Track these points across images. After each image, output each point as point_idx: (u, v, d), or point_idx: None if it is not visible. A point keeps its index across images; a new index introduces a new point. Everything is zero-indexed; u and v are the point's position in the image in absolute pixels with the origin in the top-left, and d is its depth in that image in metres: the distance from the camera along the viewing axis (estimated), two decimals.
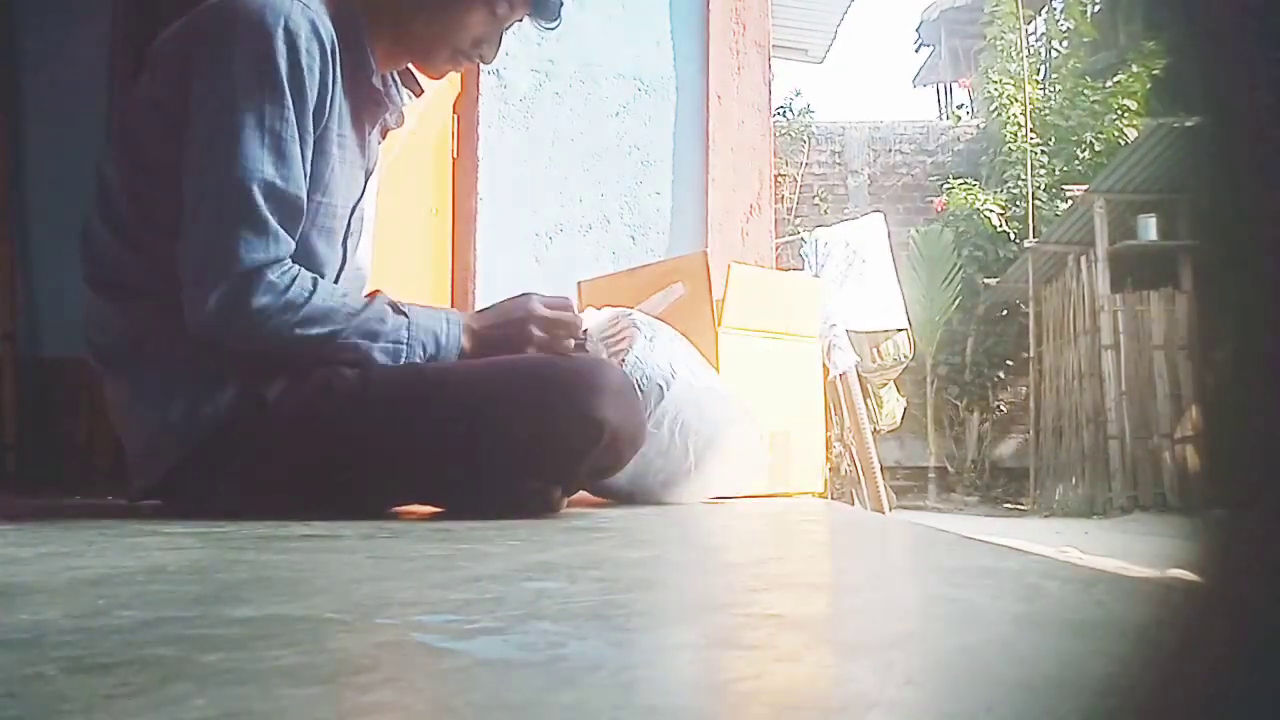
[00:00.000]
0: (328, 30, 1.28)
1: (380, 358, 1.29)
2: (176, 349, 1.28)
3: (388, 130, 1.50)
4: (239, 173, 1.22)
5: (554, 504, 1.38)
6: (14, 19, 3.09)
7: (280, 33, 1.22)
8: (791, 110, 9.39)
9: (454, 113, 2.69)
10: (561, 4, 1.43)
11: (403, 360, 1.31)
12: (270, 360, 1.29)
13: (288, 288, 1.24)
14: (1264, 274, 0.27)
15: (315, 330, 1.26)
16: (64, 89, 3.06)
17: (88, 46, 3.07)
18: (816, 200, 9.09)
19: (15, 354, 2.98)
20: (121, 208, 1.32)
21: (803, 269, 4.60)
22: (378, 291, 1.35)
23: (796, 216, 8.79)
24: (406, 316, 1.32)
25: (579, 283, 2.29)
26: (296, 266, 1.27)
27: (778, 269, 3.39)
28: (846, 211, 8.46)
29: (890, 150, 9.33)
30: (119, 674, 0.40)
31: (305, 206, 1.28)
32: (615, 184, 2.67)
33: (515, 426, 1.28)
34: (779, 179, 8.51)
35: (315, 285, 1.27)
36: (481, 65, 1.54)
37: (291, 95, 1.24)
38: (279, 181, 1.23)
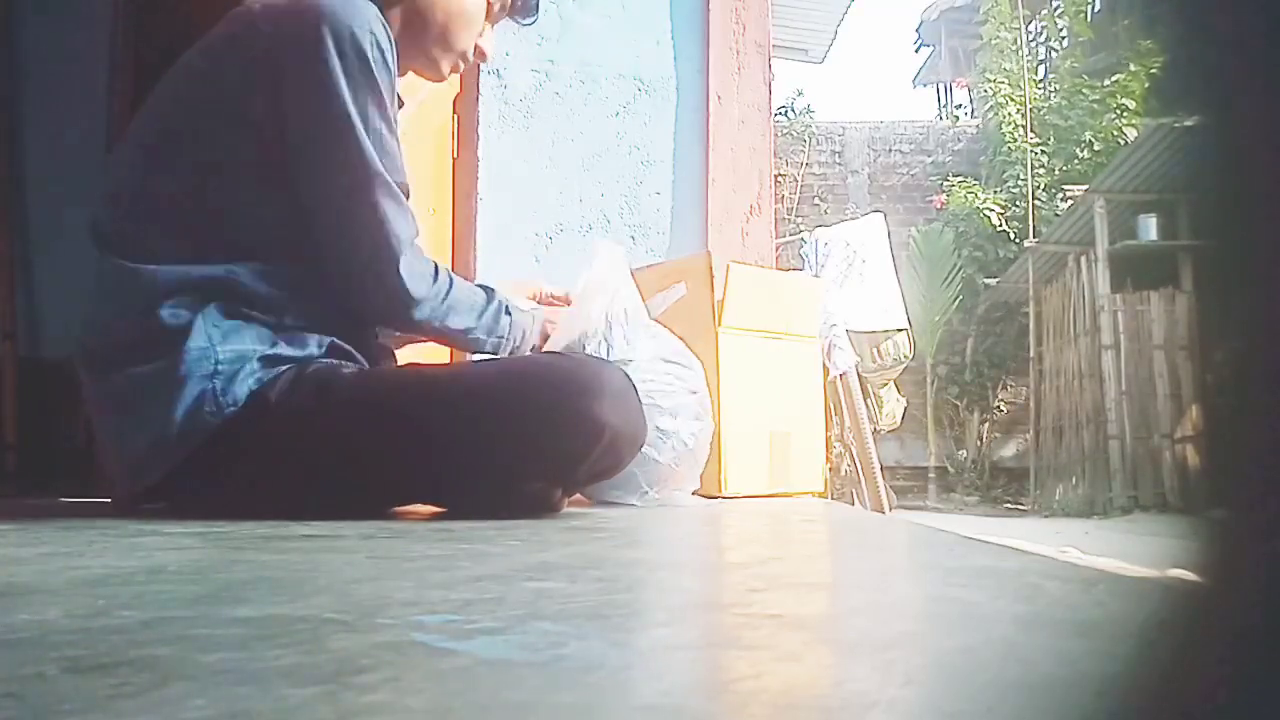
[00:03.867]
0: (388, 29, 1.35)
1: (489, 348, 1.44)
2: (180, 349, 1.28)
3: None
4: (377, 170, 1.31)
5: (554, 505, 1.38)
6: (14, 20, 3.09)
7: (366, 34, 1.29)
8: (793, 110, 9.39)
9: (454, 113, 2.69)
10: (538, 3, 1.55)
11: (503, 350, 1.45)
12: (271, 357, 1.29)
13: (436, 274, 1.37)
14: (1265, 273, 0.27)
15: (455, 322, 1.39)
16: (64, 89, 3.07)
17: (88, 47, 3.07)
18: (816, 200, 9.10)
19: (15, 354, 2.98)
20: (134, 207, 1.33)
21: (803, 269, 4.60)
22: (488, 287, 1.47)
23: (797, 216, 8.81)
24: (510, 317, 1.45)
25: None
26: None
27: (778, 269, 3.38)
28: (846, 211, 8.47)
29: (890, 150, 9.34)
30: (119, 674, 0.40)
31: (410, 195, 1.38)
32: (615, 184, 2.67)
33: (516, 428, 1.28)
34: (779, 179, 8.51)
35: (451, 275, 1.40)
36: (482, 67, 1.59)
37: (385, 90, 1.32)
38: (395, 175, 1.33)
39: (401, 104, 1.49)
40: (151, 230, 1.32)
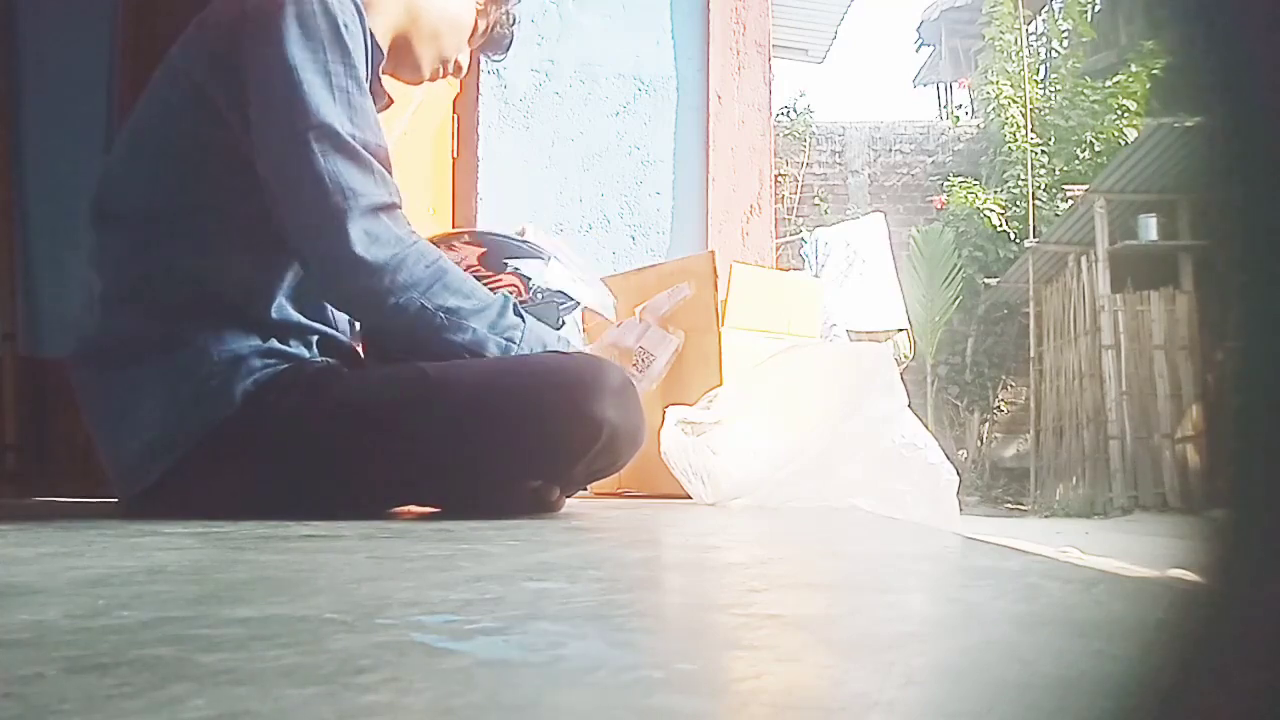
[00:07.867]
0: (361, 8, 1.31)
1: (493, 350, 1.30)
2: (177, 349, 1.28)
3: None
4: (322, 121, 1.21)
5: (553, 504, 1.38)
6: (14, 21, 3.09)
7: (334, 3, 1.24)
8: (795, 110, 9.40)
9: (454, 113, 2.69)
10: (510, 43, 1.58)
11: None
12: (266, 353, 1.29)
13: (414, 241, 1.24)
14: (1265, 273, 0.27)
15: (442, 299, 1.25)
16: (65, 91, 3.07)
17: (89, 49, 3.07)
18: (816, 200, 9.10)
19: (15, 354, 2.98)
20: (128, 204, 1.32)
21: (803, 269, 4.60)
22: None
23: (797, 216, 8.81)
24: (524, 321, 1.34)
25: None
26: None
27: (778, 269, 3.39)
28: (847, 211, 8.48)
29: (890, 150, 9.34)
30: (119, 674, 0.40)
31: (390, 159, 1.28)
32: (615, 184, 2.67)
33: (515, 426, 1.27)
34: (779, 179, 8.51)
35: (446, 259, 1.28)
36: (482, 67, 1.59)
37: (355, 55, 1.25)
38: (357, 133, 1.23)
39: (390, 102, 1.48)
40: (138, 232, 1.31)
